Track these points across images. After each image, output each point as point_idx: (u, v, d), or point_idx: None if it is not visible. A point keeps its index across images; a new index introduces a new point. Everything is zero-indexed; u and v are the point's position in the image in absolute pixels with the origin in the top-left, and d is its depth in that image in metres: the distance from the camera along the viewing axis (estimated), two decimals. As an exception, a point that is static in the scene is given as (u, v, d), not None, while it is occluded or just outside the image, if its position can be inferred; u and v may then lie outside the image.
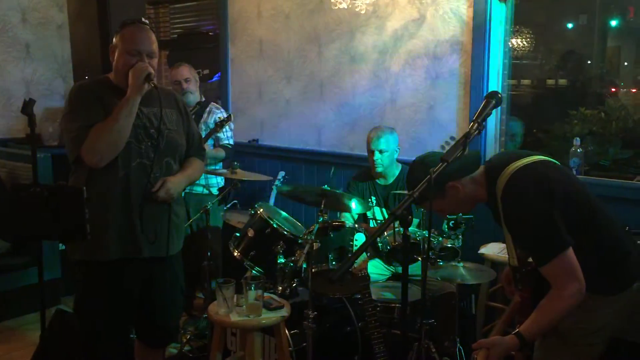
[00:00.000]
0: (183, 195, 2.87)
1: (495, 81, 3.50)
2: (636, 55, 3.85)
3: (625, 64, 3.84)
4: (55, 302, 3.91)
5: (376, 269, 3.22)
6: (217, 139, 3.83)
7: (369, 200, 3.37)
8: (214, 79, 5.35)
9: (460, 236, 2.89)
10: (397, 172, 3.38)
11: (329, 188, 2.84)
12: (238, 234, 3.10)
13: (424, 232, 2.84)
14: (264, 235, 2.95)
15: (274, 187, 4.26)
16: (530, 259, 1.83)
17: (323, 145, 4.31)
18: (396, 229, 2.86)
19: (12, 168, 4.35)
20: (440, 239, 2.92)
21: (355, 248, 2.80)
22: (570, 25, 3.96)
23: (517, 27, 3.71)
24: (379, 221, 3.36)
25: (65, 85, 5.14)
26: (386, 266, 3.21)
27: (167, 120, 2.39)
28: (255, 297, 2.52)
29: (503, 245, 3.10)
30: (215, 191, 3.86)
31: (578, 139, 3.26)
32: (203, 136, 3.46)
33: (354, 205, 3.00)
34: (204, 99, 3.96)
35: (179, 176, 2.42)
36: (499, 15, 3.47)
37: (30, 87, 4.97)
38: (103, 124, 2.21)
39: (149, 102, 2.32)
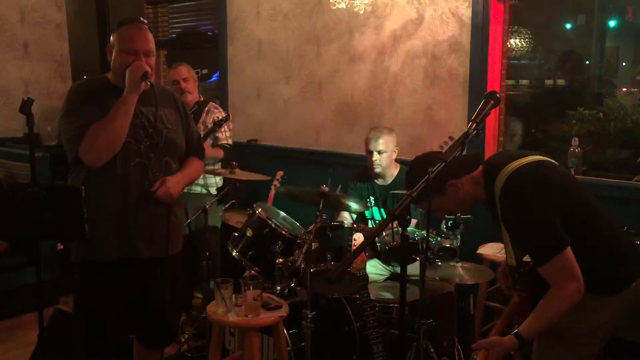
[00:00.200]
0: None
1: (494, 81, 3.50)
2: (634, 55, 3.85)
3: (624, 64, 3.84)
4: (54, 302, 3.89)
5: (375, 269, 3.22)
6: (216, 139, 3.83)
7: (368, 200, 3.37)
8: (212, 79, 5.34)
9: (459, 236, 2.89)
10: (395, 173, 3.38)
11: (327, 188, 2.84)
12: (237, 234, 3.10)
13: (423, 232, 2.84)
14: (262, 235, 2.95)
15: (272, 186, 4.25)
16: (526, 259, 1.83)
17: (322, 145, 4.31)
18: (394, 229, 2.86)
19: (10, 167, 4.34)
20: (439, 239, 2.93)
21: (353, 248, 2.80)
22: (568, 26, 3.96)
23: (516, 27, 3.71)
24: (377, 221, 3.36)
25: (63, 85, 5.13)
26: (385, 266, 3.21)
27: (166, 119, 2.38)
28: (254, 297, 2.52)
29: (501, 246, 3.09)
30: (213, 191, 3.86)
31: (576, 139, 3.26)
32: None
33: (353, 205, 3.00)
34: (202, 99, 3.96)
35: (179, 176, 2.41)
36: (498, 16, 3.47)
37: (29, 86, 4.97)
38: (100, 124, 2.20)
39: (148, 102, 2.31)
